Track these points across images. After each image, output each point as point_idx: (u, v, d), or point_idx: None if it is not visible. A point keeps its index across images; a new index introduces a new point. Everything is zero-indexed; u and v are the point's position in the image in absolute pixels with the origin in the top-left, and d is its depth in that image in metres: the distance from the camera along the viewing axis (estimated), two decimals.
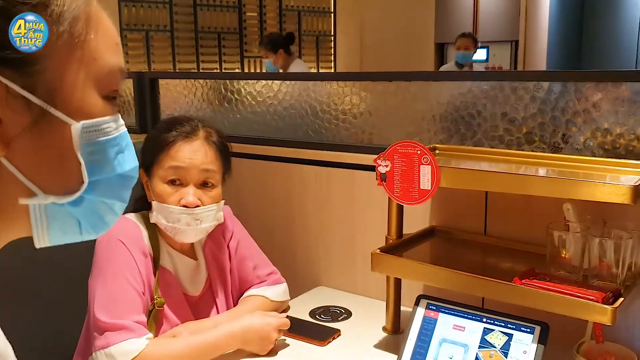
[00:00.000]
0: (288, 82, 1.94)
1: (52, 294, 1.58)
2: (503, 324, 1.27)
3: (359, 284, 1.80)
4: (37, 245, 0.58)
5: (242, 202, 1.92)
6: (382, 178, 1.36)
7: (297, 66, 4.65)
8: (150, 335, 1.33)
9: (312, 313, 1.64)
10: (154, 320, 1.39)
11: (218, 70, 6.05)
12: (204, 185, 1.42)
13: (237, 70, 6.25)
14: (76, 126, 0.55)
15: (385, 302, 1.56)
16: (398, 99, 1.76)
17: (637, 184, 1.10)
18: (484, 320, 1.29)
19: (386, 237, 1.50)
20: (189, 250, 1.52)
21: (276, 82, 1.97)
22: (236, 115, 2.09)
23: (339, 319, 1.62)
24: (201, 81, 2.17)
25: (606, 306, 1.12)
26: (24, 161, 0.53)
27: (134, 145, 0.64)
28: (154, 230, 1.46)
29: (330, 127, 1.88)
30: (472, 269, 1.30)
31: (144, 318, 1.35)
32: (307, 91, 1.91)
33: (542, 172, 1.31)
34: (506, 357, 1.23)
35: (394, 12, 6.40)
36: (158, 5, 5.59)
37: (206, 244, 1.55)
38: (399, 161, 1.34)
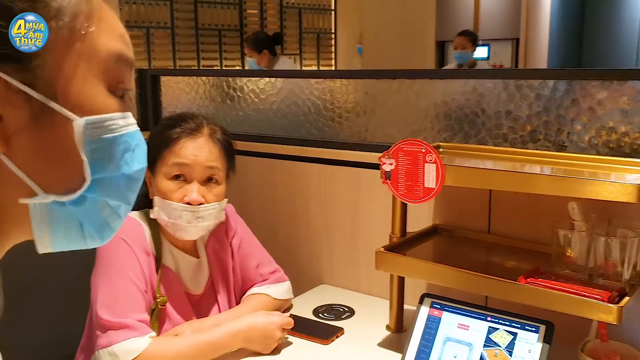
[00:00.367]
0: (290, 79, 1.93)
1: (53, 291, 1.58)
2: (508, 323, 1.26)
3: (361, 282, 1.79)
4: (40, 250, 0.56)
5: (245, 200, 1.91)
6: (387, 176, 1.36)
7: (282, 66, 4.56)
8: (153, 333, 1.32)
9: (315, 311, 1.64)
10: (157, 319, 1.39)
11: (218, 68, 6.04)
12: (208, 182, 1.41)
13: (237, 68, 6.24)
14: (79, 122, 0.53)
15: (388, 301, 1.55)
16: (401, 96, 1.75)
17: None
18: (489, 319, 1.28)
19: (390, 236, 1.49)
20: (191, 249, 1.52)
21: (279, 79, 1.96)
22: (239, 112, 2.08)
23: (342, 317, 1.61)
24: (204, 78, 2.16)
25: (612, 305, 1.12)
26: (24, 159, 0.52)
27: None
28: (156, 229, 1.45)
29: (333, 125, 1.88)
30: (476, 268, 1.29)
31: (146, 317, 1.35)
32: (310, 89, 1.91)
33: (547, 170, 1.30)
34: (511, 356, 1.23)
35: (394, 10, 6.39)
36: (159, 2, 5.57)
37: (209, 242, 1.54)
38: (404, 159, 1.33)
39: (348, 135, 1.84)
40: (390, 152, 1.35)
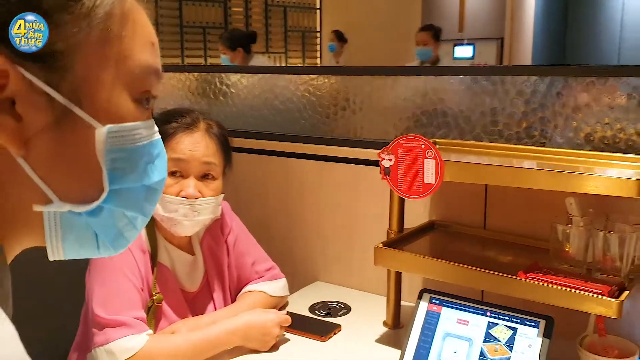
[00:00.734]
0: (286, 75, 1.93)
1: (48, 289, 1.55)
2: (507, 318, 1.27)
3: (356, 279, 1.79)
4: (51, 257, 0.54)
5: (240, 197, 1.90)
6: (386, 172, 1.35)
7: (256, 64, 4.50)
8: (150, 331, 1.31)
9: (312, 308, 1.63)
10: (153, 317, 1.37)
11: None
12: (204, 177, 1.40)
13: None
14: (101, 130, 0.50)
15: (383, 297, 1.55)
16: (395, 93, 1.75)
17: None
18: (488, 314, 1.28)
19: (387, 232, 1.49)
20: (187, 246, 1.50)
21: (273, 75, 1.95)
22: (232, 108, 2.06)
23: (339, 314, 1.61)
24: (196, 74, 2.14)
25: (612, 299, 1.12)
26: (41, 164, 0.49)
27: None
28: (151, 226, 1.43)
29: (328, 122, 1.87)
30: (474, 263, 1.29)
31: (143, 314, 1.33)
32: (305, 85, 1.90)
33: (546, 166, 1.31)
34: (511, 351, 1.23)
35: (380, 11, 6.40)
36: None
37: (204, 239, 1.53)
38: (403, 155, 1.33)
39: (343, 132, 1.84)
40: (390, 148, 1.34)
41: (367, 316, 1.59)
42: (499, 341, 1.25)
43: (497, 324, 1.27)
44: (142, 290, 1.36)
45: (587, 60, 5.95)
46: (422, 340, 1.31)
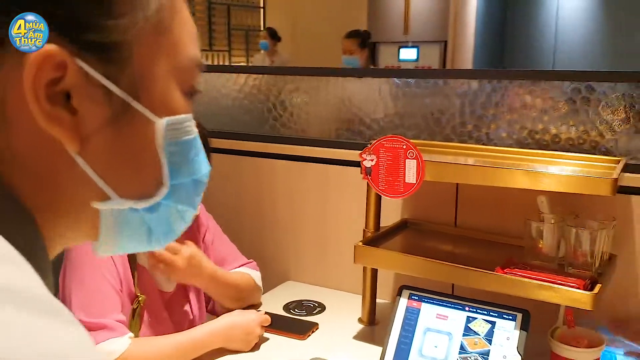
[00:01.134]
0: (255, 75, 1.92)
1: None
2: (486, 312, 1.32)
3: (329, 278, 1.81)
4: (101, 253, 0.53)
5: (210, 197, 1.88)
6: (367, 172, 1.38)
7: None
8: (132, 334, 1.29)
9: (286, 307, 1.64)
10: (139, 318, 1.35)
11: None
12: None
13: None
14: (161, 123, 0.49)
15: (356, 295, 1.58)
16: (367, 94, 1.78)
17: (616, 177, 1.17)
18: (467, 309, 1.33)
19: (364, 231, 1.52)
20: None
21: (241, 74, 1.95)
22: (199, 108, 2.04)
23: (314, 312, 1.62)
24: None
25: (587, 292, 1.19)
26: (99, 160, 0.48)
27: None
28: None
29: (299, 122, 1.88)
30: (450, 260, 1.34)
31: (123, 317, 1.31)
32: (277, 85, 1.90)
33: (522, 166, 1.37)
34: (490, 344, 1.28)
35: (325, 11, 6.44)
36: None
37: (180, 239, 1.51)
38: (385, 155, 1.36)
39: (316, 133, 1.85)
40: (371, 149, 1.37)
41: (342, 314, 1.61)
42: (478, 335, 1.30)
43: (476, 318, 1.32)
44: (120, 291, 1.34)
45: (524, 62, 6.18)
46: (402, 336, 1.34)
